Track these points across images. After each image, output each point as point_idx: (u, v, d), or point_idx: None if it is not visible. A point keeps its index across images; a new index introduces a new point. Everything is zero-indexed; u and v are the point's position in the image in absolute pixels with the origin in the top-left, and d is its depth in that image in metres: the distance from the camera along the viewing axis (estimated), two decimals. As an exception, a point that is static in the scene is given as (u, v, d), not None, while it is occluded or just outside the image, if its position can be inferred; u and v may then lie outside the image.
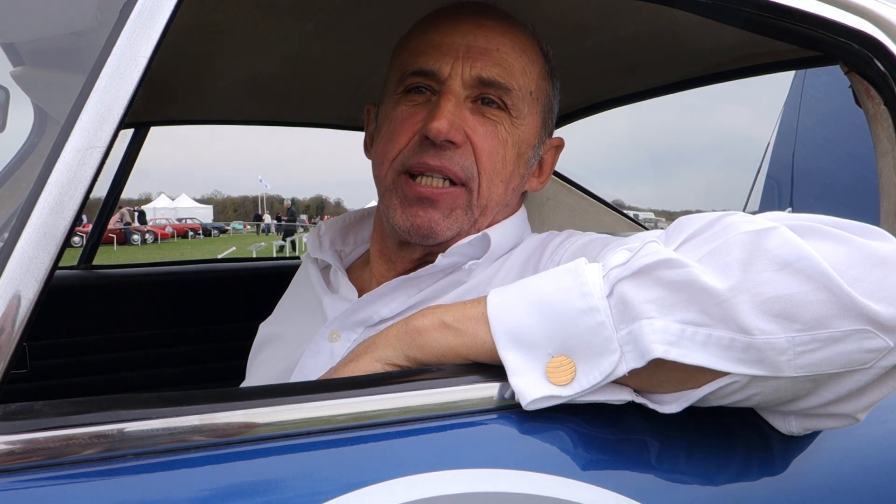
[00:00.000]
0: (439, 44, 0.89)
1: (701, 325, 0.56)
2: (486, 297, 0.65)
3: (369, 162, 1.01)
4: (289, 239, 22.77)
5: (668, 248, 0.61)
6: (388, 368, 0.67)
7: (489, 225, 0.94)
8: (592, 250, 0.81)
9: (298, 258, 2.21)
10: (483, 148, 0.89)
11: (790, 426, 0.67)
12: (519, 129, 0.92)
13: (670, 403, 0.61)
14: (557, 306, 0.60)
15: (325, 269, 1.05)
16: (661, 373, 0.59)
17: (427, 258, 0.93)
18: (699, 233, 0.61)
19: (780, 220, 0.59)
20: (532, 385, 0.59)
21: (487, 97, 0.89)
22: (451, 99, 0.87)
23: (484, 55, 0.89)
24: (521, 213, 1.01)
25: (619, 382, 0.61)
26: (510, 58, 0.90)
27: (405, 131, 0.89)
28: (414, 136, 0.88)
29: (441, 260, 0.89)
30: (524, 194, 1.01)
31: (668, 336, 0.56)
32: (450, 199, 0.88)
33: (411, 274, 0.91)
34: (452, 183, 0.88)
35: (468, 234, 0.91)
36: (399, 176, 0.89)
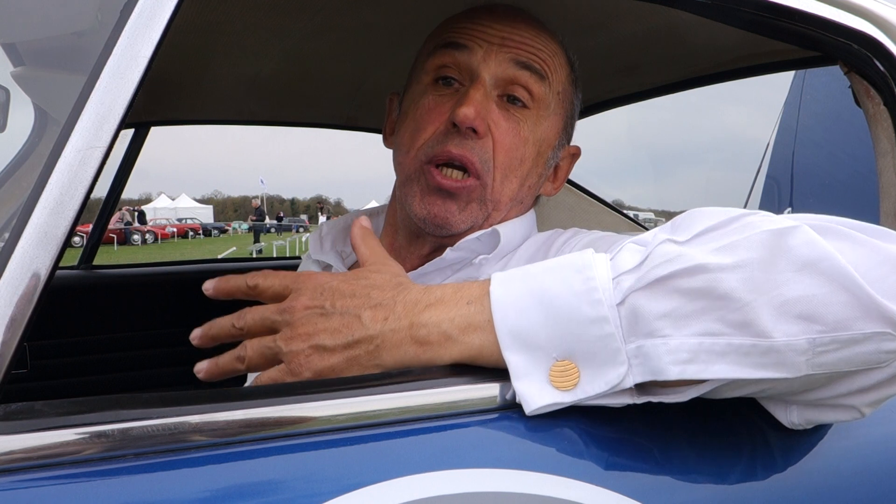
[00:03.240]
0: (474, 28, 0.91)
1: (719, 334, 0.55)
2: (489, 296, 0.63)
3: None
4: (257, 246, 20.48)
5: (680, 237, 0.59)
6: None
7: (502, 220, 0.94)
8: (599, 248, 0.81)
9: (298, 258, 2.21)
10: (503, 143, 0.90)
11: (791, 416, 0.66)
12: (541, 128, 0.93)
13: (678, 394, 0.61)
14: (564, 310, 0.59)
15: (325, 269, 1.05)
16: None
17: (436, 253, 0.93)
18: (716, 228, 0.59)
19: (799, 220, 0.59)
20: (535, 391, 0.59)
21: (514, 94, 0.91)
22: (481, 89, 0.88)
23: (519, 45, 0.91)
24: (531, 213, 1.01)
25: None
26: (543, 54, 0.92)
27: (433, 120, 0.90)
28: (440, 126, 0.89)
29: (449, 254, 0.89)
30: (537, 198, 1.02)
31: (682, 355, 0.55)
32: (466, 192, 0.89)
33: (419, 269, 0.91)
34: (469, 174, 0.89)
35: (481, 228, 0.92)
36: (423, 165, 0.89)
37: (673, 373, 0.55)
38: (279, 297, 0.69)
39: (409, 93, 0.97)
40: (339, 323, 0.65)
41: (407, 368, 0.64)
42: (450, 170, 0.89)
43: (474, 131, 0.87)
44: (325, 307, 0.66)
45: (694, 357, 0.55)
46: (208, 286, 0.73)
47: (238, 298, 0.74)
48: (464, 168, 0.88)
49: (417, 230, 0.92)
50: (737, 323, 0.54)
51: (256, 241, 22.99)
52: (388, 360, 0.63)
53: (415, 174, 0.90)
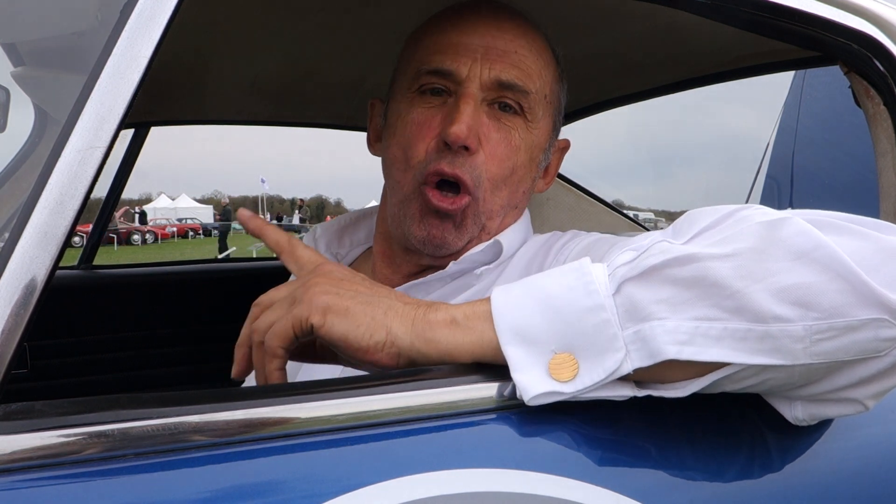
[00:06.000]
0: (457, 43, 0.89)
1: (715, 319, 0.55)
2: (490, 301, 0.64)
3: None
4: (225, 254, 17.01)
5: (679, 240, 0.60)
6: (391, 349, 0.63)
7: (499, 227, 0.94)
8: (598, 250, 0.81)
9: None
10: (494, 155, 0.88)
11: (796, 412, 0.66)
12: (532, 134, 0.92)
13: (678, 389, 0.61)
14: (562, 303, 0.59)
15: None
16: (668, 365, 0.58)
17: (434, 264, 0.93)
18: (713, 226, 0.61)
19: (794, 214, 0.59)
20: (534, 381, 0.59)
21: (504, 101, 0.89)
22: (470, 102, 0.86)
23: (503, 57, 0.88)
24: (526, 215, 1.01)
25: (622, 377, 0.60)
26: (528, 60, 0.90)
27: (423, 136, 0.88)
28: (431, 141, 0.88)
29: (452, 266, 0.89)
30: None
31: (680, 336, 0.56)
32: (462, 211, 0.88)
33: (420, 279, 0.91)
34: (461, 191, 0.88)
35: (479, 239, 0.91)
36: (419, 186, 0.88)
37: (671, 352, 0.56)
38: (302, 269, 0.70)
39: (395, 103, 0.94)
40: (365, 292, 0.65)
41: (408, 348, 0.63)
42: (444, 193, 0.88)
43: (466, 148, 0.86)
44: (351, 290, 0.66)
45: (690, 339, 0.56)
46: (244, 214, 0.74)
47: (260, 239, 0.74)
48: (456, 185, 0.87)
49: (414, 246, 0.91)
50: (732, 308, 0.55)
51: (222, 248, 19.27)
52: (396, 329, 0.63)
53: (413, 194, 0.89)
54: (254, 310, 0.68)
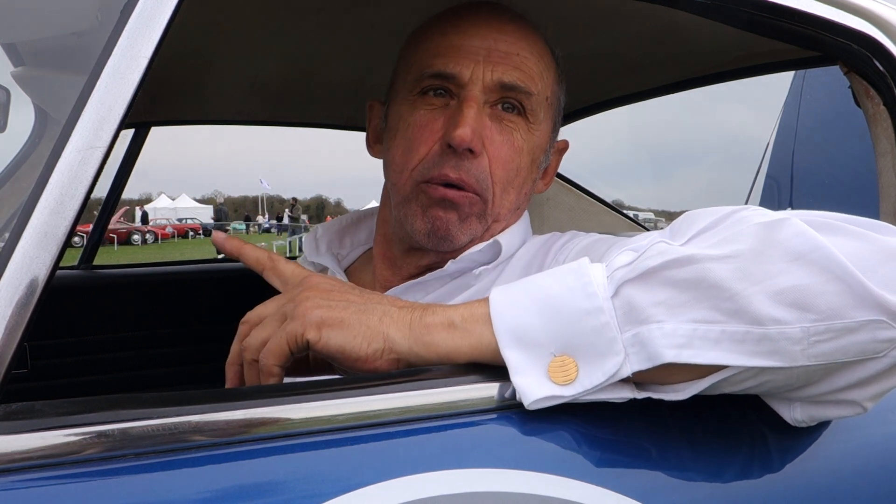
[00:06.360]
0: (459, 46, 0.88)
1: (713, 321, 0.56)
2: (488, 302, 0.64)
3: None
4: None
5: (678, 241, 0.61)
6: (390, 356, 0.63)
7: (502, 230, 0.94)
8: (597, 250, 0.81)
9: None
10: (498, 157, 0.88)
11: (794, 413, 0.66)
12: (534, 136, 0.92)
13: (678, 392, 0.61)
14: (561, 305, 0.59)
15: (321, 271, 1.05)
16: (667, 367, 0.58)
17: (436, 265, 0.93)
18: (711, 227, 0.61)
19: (791, 215, 0.59)
20: (534, 385, 0.59)
21: (508, 101, 0.89)
22: (473, 105, 0.86)
23: (505, 60, 0.88)
24: (525, 215, 1.01)
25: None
26: (529, 62, 0.90)
27: (425, 139, 0.88)
28: (434, 145, 0.87)
29: (451, 265, 0.89)
30: None
31: (678, 339, 0.56)
32: (467, 203, 0.88)
33: (419, 279, 0.91)
34: (468, 190, 0.88)
35: (481, 240, 0.91)
36: (419, 185, 0.88)
37: (669, 356, 0.56)
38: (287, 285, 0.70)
39: (396, 105, 0.94)
40: (357, 301, 0.65)
41: (407, 353, 0.63)
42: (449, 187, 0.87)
43: (471, 151, 0.85)
44: (343, 300, 0.65)
45: (688, 342, 0.56)
46: (219, 237, 0.74)
47: (235, 259, 0.75)
48: (461, 188, 0.87)
49: (417, 244, 0.91)
50: (730, 311, 0.55)
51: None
52: (393, 335, 0.63)
53: (412, 193, 0.89)
54: (242, 327, 0.67)
